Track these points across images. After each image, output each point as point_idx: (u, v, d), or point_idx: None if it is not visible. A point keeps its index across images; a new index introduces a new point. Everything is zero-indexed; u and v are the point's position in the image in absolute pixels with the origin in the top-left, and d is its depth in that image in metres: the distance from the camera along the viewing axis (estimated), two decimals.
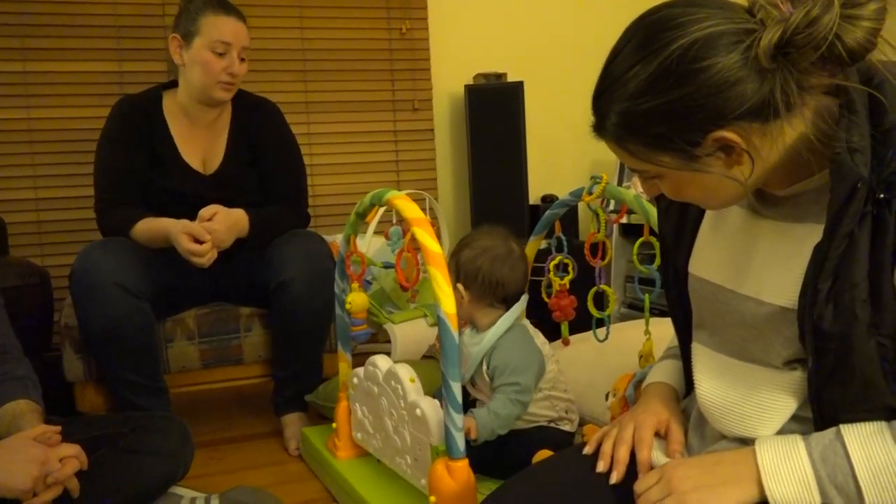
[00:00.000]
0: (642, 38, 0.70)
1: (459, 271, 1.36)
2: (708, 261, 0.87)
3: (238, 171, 1.84)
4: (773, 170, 0.74)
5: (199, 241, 1.62)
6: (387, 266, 2.09)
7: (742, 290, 0.81)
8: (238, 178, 1.83)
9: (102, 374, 1.72)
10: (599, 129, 0.75)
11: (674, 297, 0.94)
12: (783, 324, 0.76)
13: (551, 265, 1.61)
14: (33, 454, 1.11)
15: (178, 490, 1.38)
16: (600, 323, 1.56)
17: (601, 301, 1.52)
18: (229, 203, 1.71)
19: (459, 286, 1.35)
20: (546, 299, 1.66)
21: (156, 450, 1.34)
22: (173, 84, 1.84)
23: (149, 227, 1.68)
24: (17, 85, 2.37)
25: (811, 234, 0.73)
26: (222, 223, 1.65)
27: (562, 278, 1.61)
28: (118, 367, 1.66)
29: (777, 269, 0.77)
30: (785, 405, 0.78)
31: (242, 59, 1.76)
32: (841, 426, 0.73)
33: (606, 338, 1.57)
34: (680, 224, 0.92)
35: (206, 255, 1.61)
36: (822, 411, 0.74)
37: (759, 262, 0.80)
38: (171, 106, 1.83)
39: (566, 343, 1.76)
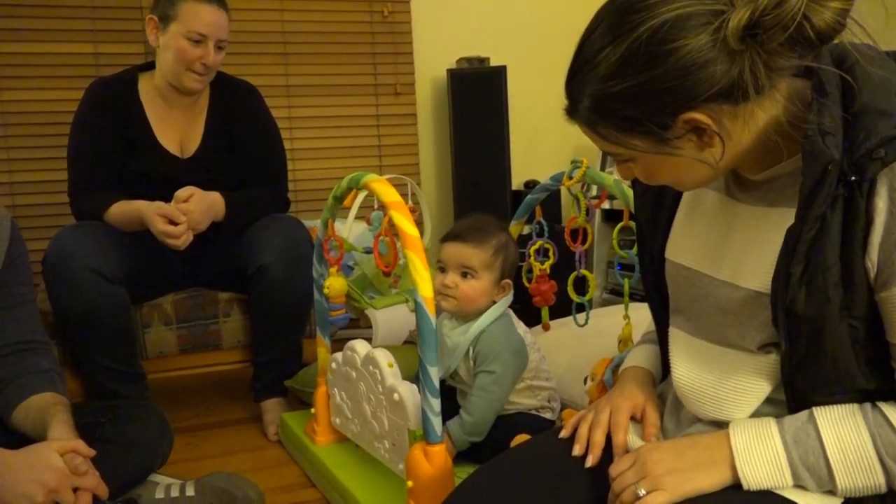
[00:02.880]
0: (612, 20, 0.69)
1: (507, 269, 1.35)
2: (684, 246, 0.87)
3: (216, 154, 1.81)
4: (746, 153, 0.73)
5: (173, 223, 1.59)
6: (368, 251, 2.08)
7: (718, 275, 0.81)
8: (216, 162, 1.80)
9: (78, 360, 1.69)
10: (572, 112, 0.75)
11: (651, 282, 0.94)
12: (758, 308, 0.76)
13: (532, 250, 1.60)
14: (46, 478, 1.03)
15: (154, 477, 1.36)
16: (581, 308, 1.56)
17: (581, 286, 1.51)
18: (207, 187, 1.69)
19: (508, 282, 1.35)
20: (527, 284, 1.65)
21: (132, 440, 1.32)
22: (150, 66, 1.81)
23: (123, 209, 1.66)
24: None
25: (785, 218, 0.73)
26: (198, 205, 1.62)
27: (542, 263, 1.61)
28: (94, 352, 1.64)
29: (752, 254, 0.77)
30: (759, 388, 0.78)
31: (220, 48, 1.72)
32: (814, 409, 0.73)
33: (586, 322, 1.57)
34: (656, 209, 0.92)
35: (181, 237, 1.59)
36: (794, 394, 0.75)
37: (735, 247, 0.80)
38: (147, 88, 1.80)
39: (546, 328, 1.76)
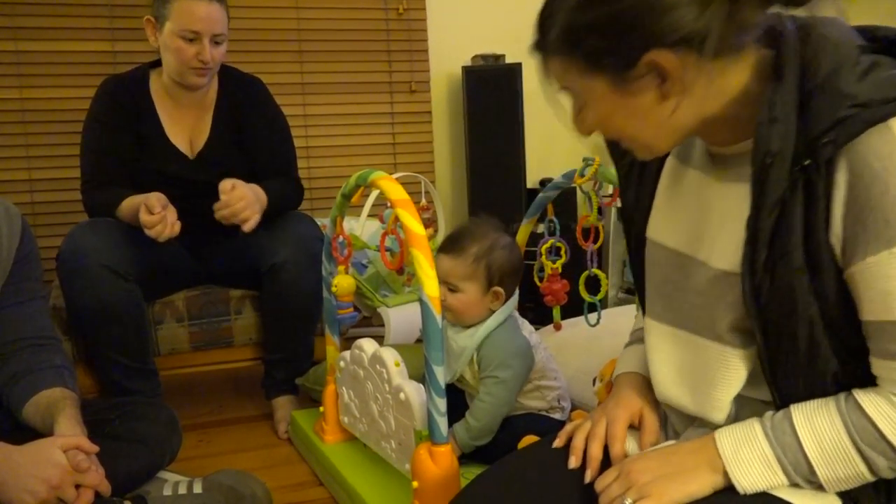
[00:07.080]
0: None
1: (494, 275, 1.29)
2: (664, 225, 0.86)
3: (224, 150, 1.80)
4: (711, 120, 0.72)
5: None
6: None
7: (697, 254, 0.80)
8: (224, 158, 1.80)
9: (92, 356, 1.71)
10: (541, 43, 0.75)
11: (637, 264, 0.92)
12: (727, 287, 0.75)
13: (543, 249, 1.58)
14: (48, 474, 1.03)
15: (162, 474, 1.37)
16: (592, 308, 1.54)
17: (594, 285, 1.49)
18: (216, 183, 1.68)
19: (498, 290, 1.30)
20: (538, 283, 1.64)
21: (141, 438, 1.32)
22: (161, 63, 1.82)
23: (130, 204, 1.66)
24: (10, 65, 2.34)
25: None
26: (244, 196, 1.59)
27: (554, 262, 1.59)
28: (107, 349, 1.65)
29: (725, 233, 0.76)
30: (734, 378, 0.77)
31: (218, 43, 1.70)
32: (792, 405, 0.72)
33: (598, 322, 1.55)
34: (638, 189, 0.90)
35: (154, 228, 1.54)
36: (777, 387, 0.74)
37: (711, 226, 0.78)
38: (157, 85, 1.80)
39: (558, 328, 1.74)
